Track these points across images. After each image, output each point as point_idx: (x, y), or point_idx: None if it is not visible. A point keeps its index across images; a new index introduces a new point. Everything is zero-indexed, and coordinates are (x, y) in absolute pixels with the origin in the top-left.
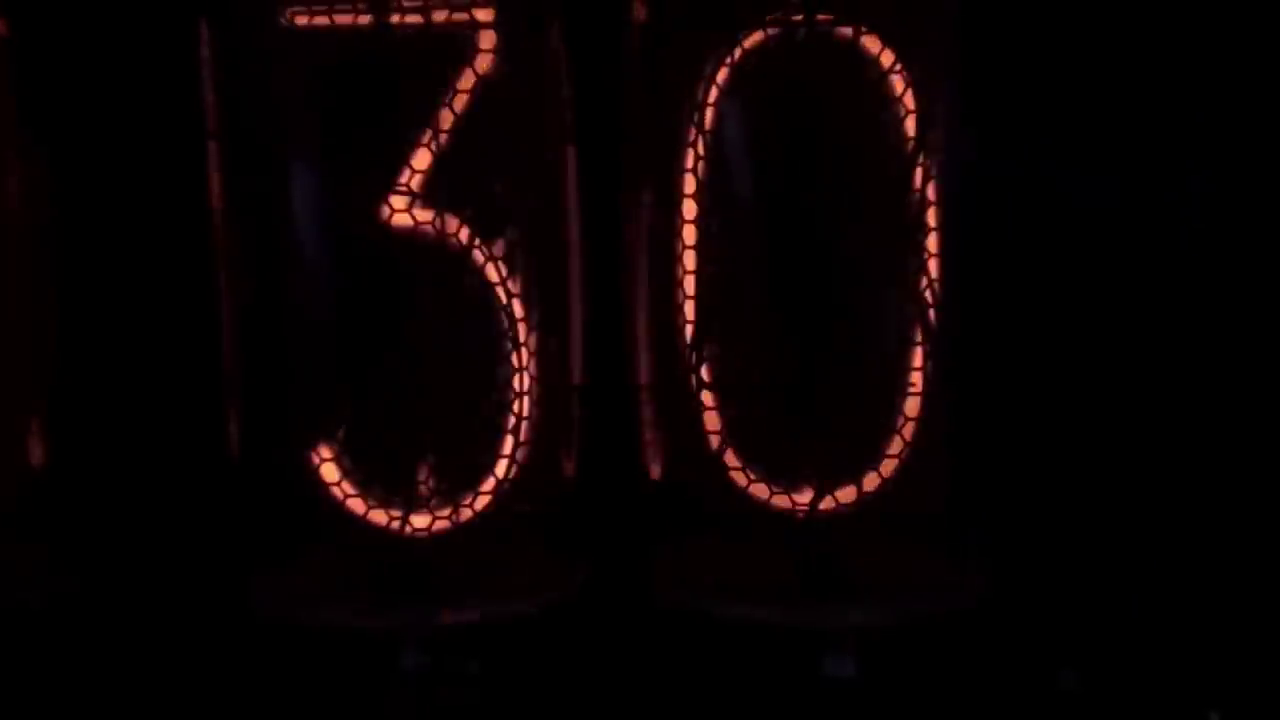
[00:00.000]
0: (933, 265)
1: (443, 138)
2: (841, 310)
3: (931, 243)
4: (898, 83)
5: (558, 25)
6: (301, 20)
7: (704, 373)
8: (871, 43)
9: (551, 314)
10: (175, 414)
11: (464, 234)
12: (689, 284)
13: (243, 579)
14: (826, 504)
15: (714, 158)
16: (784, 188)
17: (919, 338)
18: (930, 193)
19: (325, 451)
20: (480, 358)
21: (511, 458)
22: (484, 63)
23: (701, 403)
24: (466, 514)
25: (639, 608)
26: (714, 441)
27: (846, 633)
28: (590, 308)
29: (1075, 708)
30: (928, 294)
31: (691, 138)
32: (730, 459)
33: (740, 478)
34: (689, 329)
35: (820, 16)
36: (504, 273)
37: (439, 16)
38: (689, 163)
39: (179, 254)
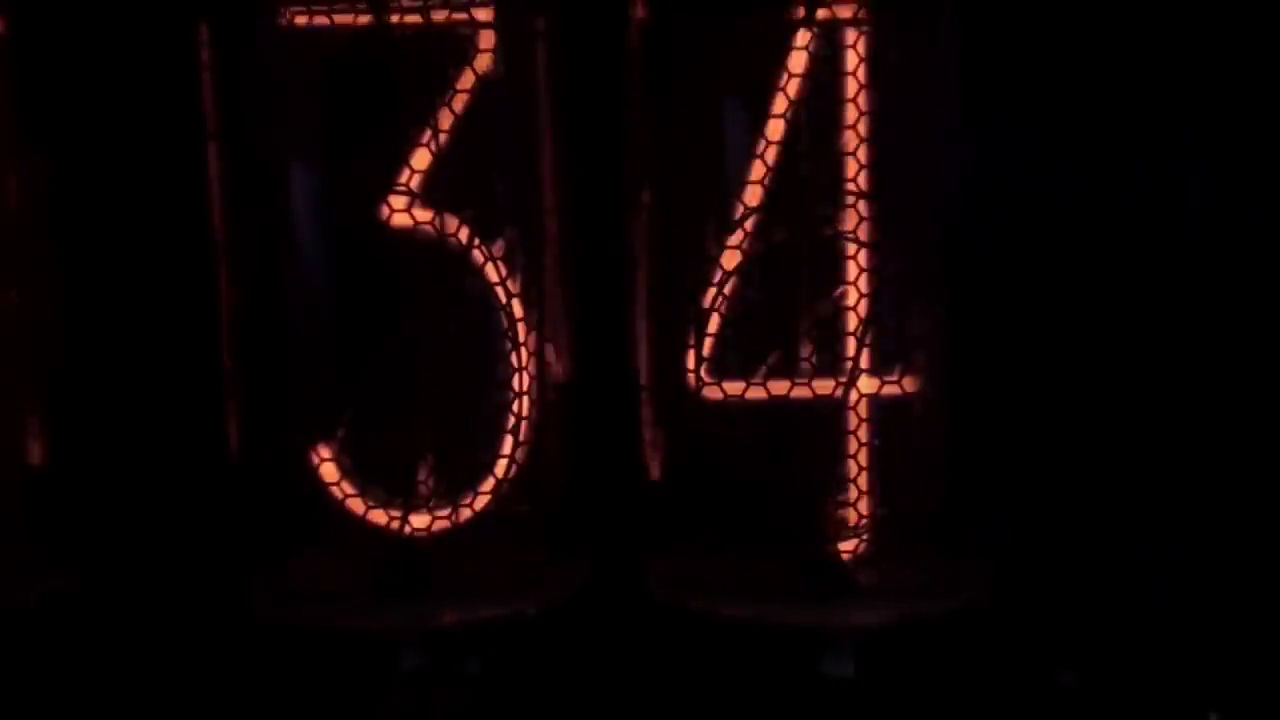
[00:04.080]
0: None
1: (443, 138)
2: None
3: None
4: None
5: (552, 23)
6: (301, 20)
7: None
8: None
9: (550, 313)
10: (175, 414)
11: (464, 234)
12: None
13: (242, 579)
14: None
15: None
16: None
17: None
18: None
19: (325, 451)
20: (480, 357)
21: (511, 458)
22: (484, 63)
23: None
24: (466, 514)
25: (638, 608)
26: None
27: (845, 633)
28: (590, 308)
29: (1074, 708)
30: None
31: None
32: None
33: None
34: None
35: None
36: (504, 273)
37: (439, 16)
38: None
39: (179, 254)
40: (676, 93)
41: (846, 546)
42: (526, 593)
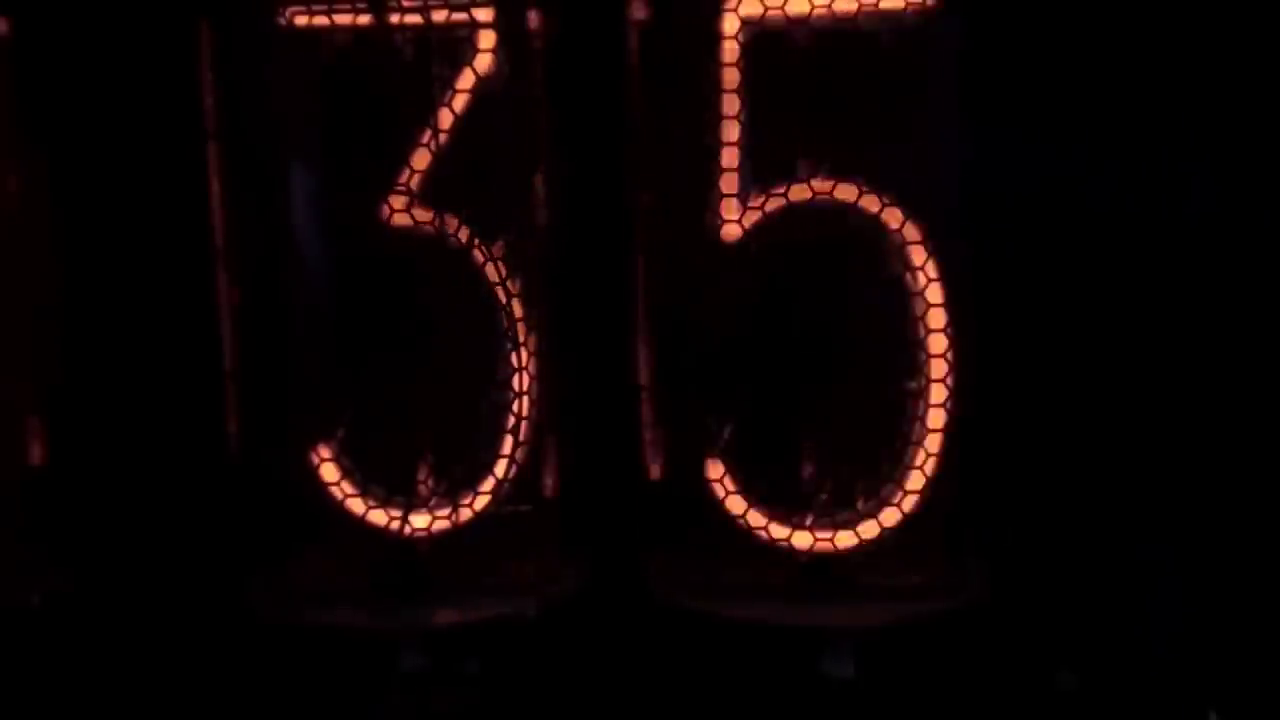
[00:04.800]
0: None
1: (442, 138)
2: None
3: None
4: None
5: (552, 23)
6: (301, 20)
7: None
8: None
9: (550, 313)
10: (175, 414)
11: (464, 234)
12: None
13: (242, 579)
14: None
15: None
16: None
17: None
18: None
19: (325, 451)
20: (479, 357)
21: (511, 458)
22: (484, 63)
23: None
24: (466, 514)
25: (638, 608)
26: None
27: (845, 633)
28: (590, 308)
29: (1074, 708)
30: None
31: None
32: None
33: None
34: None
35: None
36: (504, 273)
37: (439, 16)
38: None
39: (179, 254)
40: (676, 93)
41: (846, 546)
42: (526, 593)
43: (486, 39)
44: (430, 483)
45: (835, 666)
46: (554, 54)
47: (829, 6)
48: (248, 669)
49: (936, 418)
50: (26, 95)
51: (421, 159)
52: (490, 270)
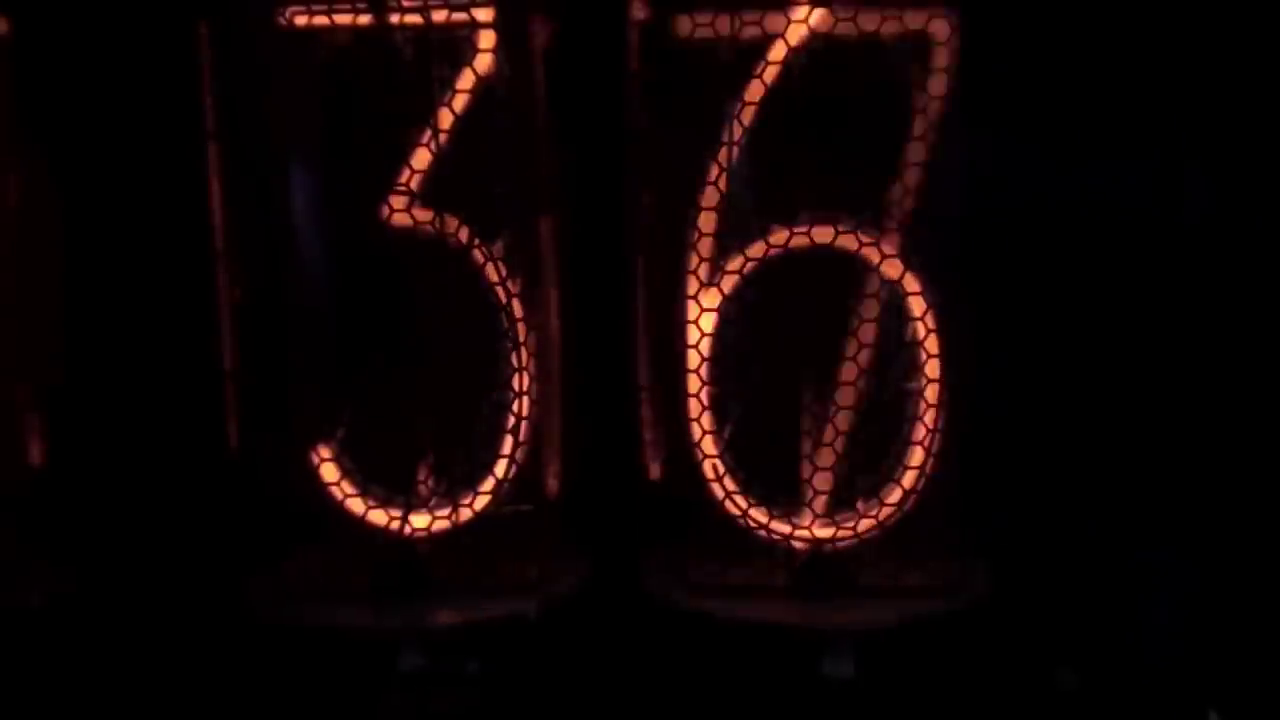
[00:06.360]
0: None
1: (442, 138)
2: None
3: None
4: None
5: (553, 23)
6: (301, 20)
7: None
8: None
9: (549, 313)
10: (175, 413)
11: (464, 234)
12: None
13: (241, 579)
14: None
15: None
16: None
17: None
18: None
19: (325, 451)
20: (480, 358)
21: (511, 458)
22: (484, 63)
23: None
24: (466, 514)
25: (638, 608)
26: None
27: (845, 633)
28: (590, 308)
29: (1074, 707)
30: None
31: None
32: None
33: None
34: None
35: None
36: (504, 273)
37: (439, 16)
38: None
39: (179, 254)
40: (676, 93)
41: (846, 546)
42: (526, 593)
43: (486, 39)
44: (430, 483)
45: (835, 666)
46: (554, 54)
47: (829, 7)
48: (248, 669)
49: (936, 417)
50: (27, 95)
51: (421, 159)
52: (490, 270)
